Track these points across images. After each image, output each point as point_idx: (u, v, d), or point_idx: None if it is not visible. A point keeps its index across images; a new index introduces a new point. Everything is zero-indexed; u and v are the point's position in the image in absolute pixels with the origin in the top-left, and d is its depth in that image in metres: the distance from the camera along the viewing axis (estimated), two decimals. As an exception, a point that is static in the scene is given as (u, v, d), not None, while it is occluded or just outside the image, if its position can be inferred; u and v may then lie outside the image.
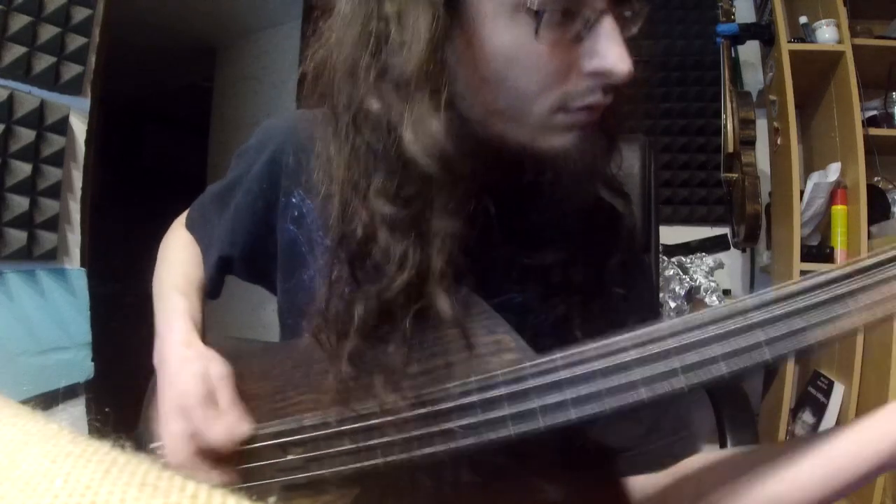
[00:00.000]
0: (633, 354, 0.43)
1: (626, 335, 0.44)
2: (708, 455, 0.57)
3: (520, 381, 0.45)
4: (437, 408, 0.48)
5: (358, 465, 0.50)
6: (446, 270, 0.47)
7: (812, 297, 0.41)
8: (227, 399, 0.54)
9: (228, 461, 0.53)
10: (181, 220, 0.76)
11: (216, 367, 0.55)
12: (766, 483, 0.47)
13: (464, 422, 0.47)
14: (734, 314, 0.42)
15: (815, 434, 0.47)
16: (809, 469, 0.45)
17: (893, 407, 0.43)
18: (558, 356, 0.45)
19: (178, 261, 0.70)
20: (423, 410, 0.48)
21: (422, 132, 0.45)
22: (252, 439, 0.54)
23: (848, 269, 0.41)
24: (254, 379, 0.57)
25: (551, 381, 0.45)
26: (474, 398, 0.46)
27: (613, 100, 0.48)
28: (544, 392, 0.45)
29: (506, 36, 0.45)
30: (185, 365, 0.56)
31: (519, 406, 0.45)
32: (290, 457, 0.53)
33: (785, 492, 0.46)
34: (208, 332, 0.63)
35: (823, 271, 0.42)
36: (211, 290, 0.69)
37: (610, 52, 0.44)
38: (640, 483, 0.59)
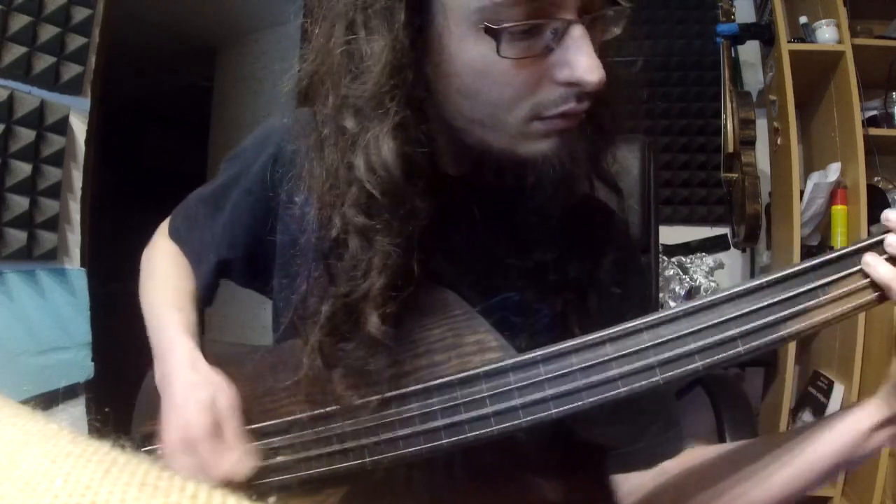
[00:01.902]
0: (611, 351, 0.44)
1: (603, 332, 0.45)
2: (692, 454, 0.58)
3: (501, 379, 0.46)
4: (420, 408, 0.48)
5: (345, 464, 0.51)
6: (383, 291, 0.48)
7: (783, 291, 0.43)
8: (234, 432, 0.53)
9: (238, 489, 0.53)
10: (162, 230, 0.74)
11: (223, 396, 0.55)
12: (737, 486, 0.51)
13: (447, 420, 0.47)
14: (708, 308, 0.43)
15: (788, 432, 0.51)
16: (778, 471, 0.49)
17: (858, 408, 0.47)
18: (538, 353, 0.45)
19: (165, 273, 0.69)
20: (408, 410, 0.48)
21: (372, 155, 0.46)
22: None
23: (817, 262, 0.43)
24: (243, 382, 0.57)
25: (532, 378, 0.45)
26: (457, 397, 0.47)
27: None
28: (525, 389, 0.46)
29: (473, 52, 0.45)
30: (192, 392, 0.55)
31: (501, 403, 0.46)
32: (279, 458, 0.53)
33: (756, 495, 0.50)
34: (206, 334, 0.63)
35: (794, 264, 0.43)
36: (206, 298, 0.68)
37: (580, 63, 0.44)
38: (626, 483, 0.60)
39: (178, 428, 0.53)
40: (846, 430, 0.47)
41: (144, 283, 0.69)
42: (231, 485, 0.52)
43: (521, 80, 0.46)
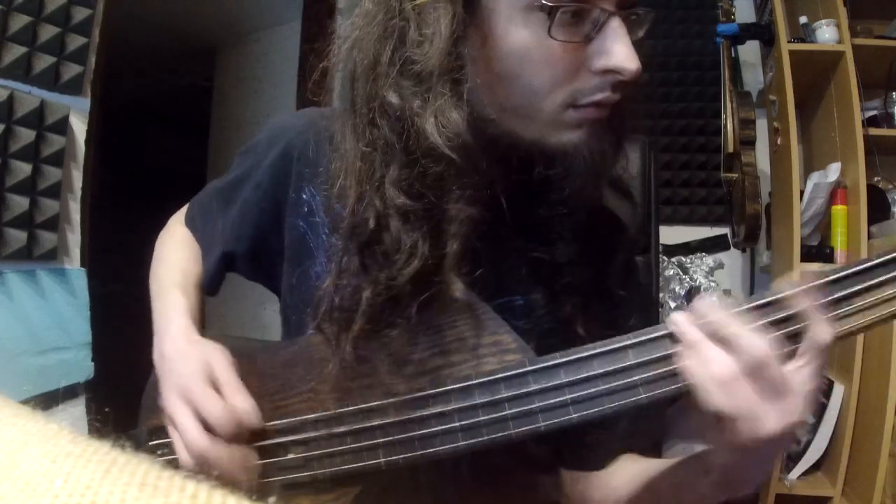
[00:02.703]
0: (633, 357, 0.44)
1: (625, 338, 0.44)
2: (632, 465, 0.59)
3: (521, 382, 0.46)
4: (438, 408, 0.48)
5: (359, 463, 0.50)
6: (461, 256, 0.49)
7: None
8: (230, 383, 0.53)
9: (243, 440, 0.52)
10: (178, 216, 0.76)
11: (218, 356, 0.55)
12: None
13: (465, 422, 0.47)
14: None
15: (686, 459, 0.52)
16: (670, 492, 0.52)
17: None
18: (560, 358, 0.45)
19: (177, 258, 0.70)
20: (425, 411, 0.48)
21: (443, 122, 0.47)
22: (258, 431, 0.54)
23: (842, 274, 0.42)
24: (253, 378, 0.57)
25: (552, 382, 0.45)
26: (476, 399, 0.47)
27: (619, 101, 0.50)
28: (545, 392, 0.45)
29: (520, 34, 0.47)
30: (187, 355, 0.55)
31: (520, 407, 0.46)
32: (290, 455, 0.53)
33: None
34: (207, 331, 0.63)
35: (829, 270, 0.43)
36: (211, 287, 0.69)
37: (618, 51, 0.46)
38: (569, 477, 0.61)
39: (176, 384, 0.53)
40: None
41: (155, 266, 0.70)
42: (240, 436, 0.51)
43: (563, 66, 0.47)
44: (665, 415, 0.66)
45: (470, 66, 0.48)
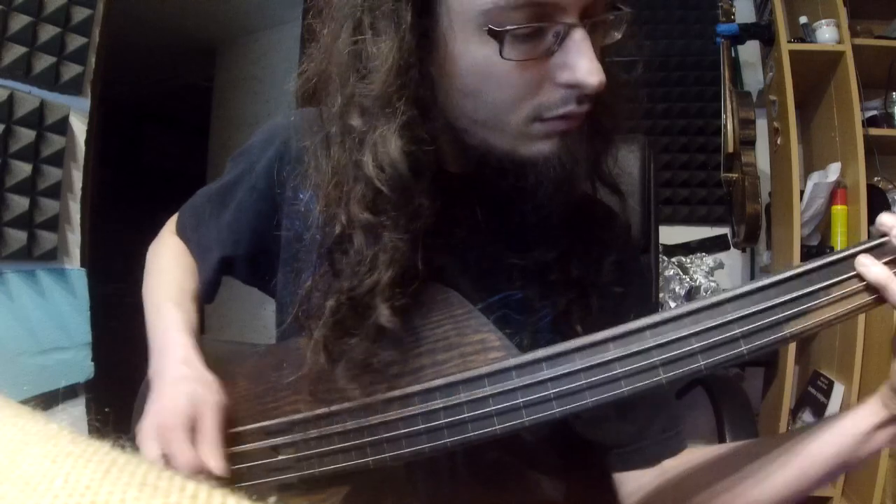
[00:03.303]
0: (614, 351, 0.44)
1: (606, 332, 0.45)
2: (693, 454, 0.58)
3: (504, 379, 0.46)
4: (423, 406, 0.48)
5: (347, 463, 0.51)
6: (391, 284, 0.49)
7: (786, 292, 0.43)
8: (210, 430, 0.52)
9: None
10: (169, 226, 0.75)
11: (209, 393, 0.54)
12: (738, 485, 0.51)
13: (450, 419, 0.47)
14: (711, 308, 0.43)
15: (788, 433, 0.50)
16: (778, 471, 0.49)
17: (858, 409, 0.47)
18: (542, 354, 0.46)
19: (169, 269, 0.69)
20: (410, 409, 0.48)
21: (380, 153, 0.47)
22: (241, 442, 0.54)
23: (819, 263, 0.43)
24: (244, 380, 0.57)
25: (535, 378, 0.46)
26: (461, 396, 0.47)
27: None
28: (528, 388, 0.46)
29: (476, 54, 0.46)
30: (179, 383, 0.55)
31: (504, 403, 0.46)
32: (280, 457, 0.53)
33: (755, 495, 0.50)
34: (207, 332, 0.63)
35: (796, 265, 0.44)
36: (208, 295, 0.69)
37: (580, 65, 0.45)
38: (627, 483, 0.60)
39: (155, 414, 0.53)
40: (846, 430, 0.47)
41: (148, 278, 0.70)
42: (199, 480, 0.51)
43: (523, 82, 0.46)
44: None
45: (438, 82, 0.49)
